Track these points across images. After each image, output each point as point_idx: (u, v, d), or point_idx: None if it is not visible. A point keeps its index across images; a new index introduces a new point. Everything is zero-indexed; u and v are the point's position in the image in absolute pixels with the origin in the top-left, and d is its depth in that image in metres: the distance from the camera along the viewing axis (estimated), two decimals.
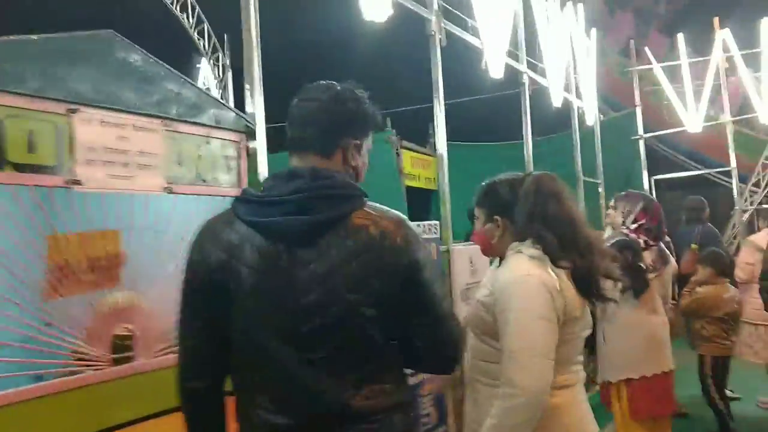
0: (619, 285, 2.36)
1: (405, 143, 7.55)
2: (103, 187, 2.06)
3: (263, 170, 2.66)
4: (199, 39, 7.30)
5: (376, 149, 3.14)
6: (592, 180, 6.64)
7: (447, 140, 3.91)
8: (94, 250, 2.02)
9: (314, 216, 1.57)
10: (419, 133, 8.20)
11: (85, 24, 2.12)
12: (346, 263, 1.57)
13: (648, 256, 3.49)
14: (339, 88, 1.71)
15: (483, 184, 2.22)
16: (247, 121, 2.63)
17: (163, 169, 2.26)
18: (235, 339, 1.61)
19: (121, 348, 2.11)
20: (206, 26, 7.12)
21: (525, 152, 5.27)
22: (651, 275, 3.46)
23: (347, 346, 1.58)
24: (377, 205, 1.67)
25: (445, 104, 4.18)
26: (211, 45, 7.27)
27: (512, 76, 5.21)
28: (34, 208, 1.87)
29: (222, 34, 7.44)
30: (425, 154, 8.21)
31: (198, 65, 7.93)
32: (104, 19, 2.47)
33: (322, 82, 1.73)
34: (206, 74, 7.90)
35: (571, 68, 6.31)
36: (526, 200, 2.08)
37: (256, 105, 2.68)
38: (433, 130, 8.29)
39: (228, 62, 7.71)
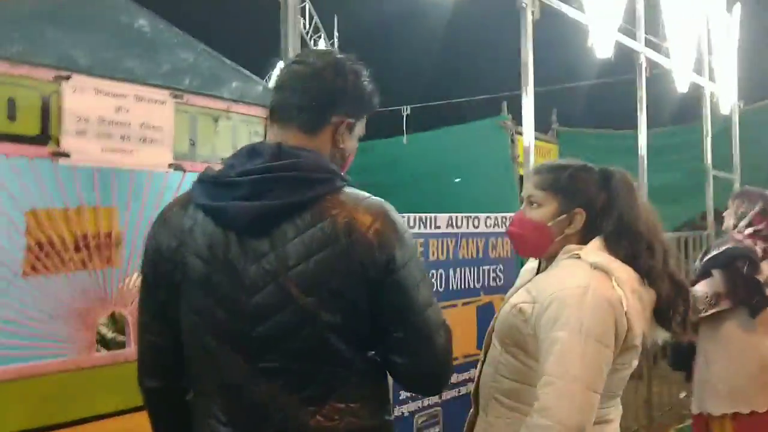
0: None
1: (521, 129, 7.16)
2: (97, 161, 1.92)
3: None
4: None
5: (488, 135, 2.82)
6: (726, 176, 5.84)
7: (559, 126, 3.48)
8: (81, 228, 1.89)
9: (268, 202, 1.33)
10: (540, 119, 7.77)
11: None
12: (303, 259, 1.32)
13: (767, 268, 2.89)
14: (339, 55, 1.47)
15: (559, 163, 1.82)
16: None
17: (171, 145, 2.08)
18: (185, 338, 1.42)
19: (112, 332, 1.97)
20: (308, 5, 7.04)
21: (638, 143, 4.66)
22: None
23: (305, 356, 1.33)
24: (360, 192, 1.40)
25: (553, 89, 3.74)
26: (312, 25, 7.18)
27: (628, 56, 4.64)
28: (12, 180, 1.75)
29: (327, 13, 7.35)
30: (545, 141, 7.75)
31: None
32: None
33: (321, 47, 1.47)
34: None
35: (704, 48, 5.54)
36: (619, 198, 1.70)
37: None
38: (555, 116, 7.85)
39: (336, 44, 7.60)
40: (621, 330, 1.57)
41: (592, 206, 1.73)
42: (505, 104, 6.91)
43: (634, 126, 4.77)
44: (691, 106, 5.80)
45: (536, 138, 7.86)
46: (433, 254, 2.66)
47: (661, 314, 1.68)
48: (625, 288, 1.59)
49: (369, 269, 1.32)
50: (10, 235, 1.76)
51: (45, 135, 1.81)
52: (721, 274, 2.84)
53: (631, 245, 1.66)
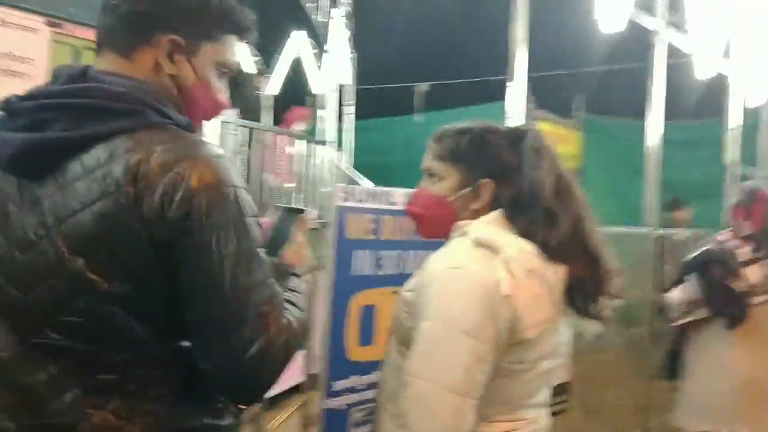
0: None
1: (542, 114, 6.87)
2: None
3: None
4: None
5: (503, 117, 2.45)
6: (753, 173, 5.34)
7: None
8: None
9: (46, 134, 1.06)
10: (561, 104, 7.39)
11: None
12: (78, 210, 1.04)
13: (755, 273, 2.51)
14: None
15: (460, 127, 1.49)
16: None
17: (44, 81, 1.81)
18: None
19: None
20: None
21: (649, 133, 4.23)
22: (758, 299, 2.48)
23: (89, 334, 1.06)
24: (184, 134, 1.11)
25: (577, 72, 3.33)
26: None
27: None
28: None
29: None
30: (566, 128, 7.36)
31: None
32: None
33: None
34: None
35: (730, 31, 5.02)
36: (538, 161, 1.38)
37: None
38: (579, 102, 7.41)
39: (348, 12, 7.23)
40: (501, 320, 1.26)
41: (503, 175, 1.41)
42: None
43: (670, 115, 4.34)
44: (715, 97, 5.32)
45: (555, 124, 7.49)
46: (387, 233, 2.37)
47: (570, 294, 1.37)
48: (515, 268, 1.27)
49: (155, 229, 1.02)
50: None
51: None
52: (696, 279, 2.49)
53: (528, 215, 1.35)
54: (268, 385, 1.13)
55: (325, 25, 6.52)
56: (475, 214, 1.41)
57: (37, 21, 1.79)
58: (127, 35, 1.15)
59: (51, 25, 1.79)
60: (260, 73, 11.39)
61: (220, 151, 1.14)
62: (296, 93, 7.57)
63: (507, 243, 1.30)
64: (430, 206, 1.47)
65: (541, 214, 1.34)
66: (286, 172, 5.91)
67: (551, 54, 7.89)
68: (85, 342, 1.06)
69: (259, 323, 1.06)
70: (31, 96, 1.10)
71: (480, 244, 1.31)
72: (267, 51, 10.62)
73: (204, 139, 1.19)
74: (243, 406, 1.23)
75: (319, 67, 6.94)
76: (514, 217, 1.36)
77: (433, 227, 1.50)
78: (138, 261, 1.03)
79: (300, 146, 5.90)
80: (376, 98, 8.04)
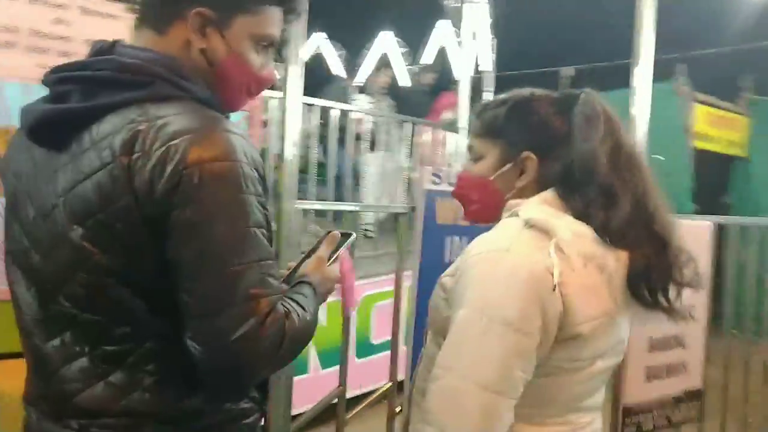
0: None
1: (701, 96, 6.31)
2: (29, 78, 1.74)
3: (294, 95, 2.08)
4: None
5: (657, 101, 2.40)
6: None
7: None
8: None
9: (60, 106, 1.09)
10: (725, 85, 6.70)
11: None
12: (79, 180, 1.05)
13: None
14: None
15: (500, 97, 1.34)
16: None
17: None
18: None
19: None
20: None
21: None
22: None
23: (92, 305, 1.07)
24: (197, 108, 1.08)
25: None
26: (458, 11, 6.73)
27: None
28: None
29: None
30: (731, 111, 6.70)
31: None
32: None
33: None
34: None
35: None
36: (591, 129, 1.19)
37: None
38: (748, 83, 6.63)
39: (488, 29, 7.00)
40: (550, 312, 1.09)
41: (548, 147, 1.23)
42: (681, 66, 6.06)
43: None
44: None
45: (719, 107, 6.80)
46: (441, 217, 2.23)
47: (634, 283, 1.15)
48: (570, 253, 1.10)
49: (145, 202, 0.99)
50: None
51: None
52: None
53: (583, 193, 1.16)
54: (253, 375, 1.06)
55: (458, 11, 6.41)
56: (522, 193, 1.25)
57: (117, 8, 1.83)
58: (161, 10, 1.14)
59: (132, 12, 1.82)
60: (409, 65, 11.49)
61: (235, 127, 1.08)
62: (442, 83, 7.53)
63: (562, 225, 1.13)
64: (471, 188, 1.33)
65: (596, 191, 1.15)
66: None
67: (709, 31, 7.16)
68: (89, 312, 1.06)
69: (248, 305, 0.99)
70: (55, 69, 1.12)
71: (531, 225, 1.15)
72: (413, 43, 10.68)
73: (225, 115, 1.15)
74: (228, 399, 1.15)
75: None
76: (568, 195, 1.18)
77: (477, 210, 1.35)
78: (130, 234, 1.01)
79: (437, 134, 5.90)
80: (520, 84, 7.76)
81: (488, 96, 7.13)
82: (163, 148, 0.98)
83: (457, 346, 1.12)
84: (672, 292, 1.18)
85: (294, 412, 2.40)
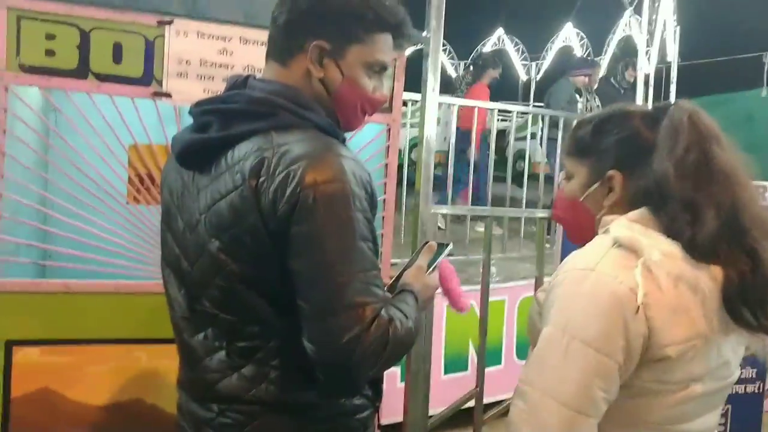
0: None
1: None
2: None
3: (432, 96, 2.18)
4: None
5: None
6: None
7: None
8: None
9: (202, 135, 1.28)
10: None
11: None
12: (217, 199, 1.24)
13: None
14: None
15: (591, 115, 1.34)
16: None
17: None
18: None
19: None
20: None
21: None
22: None
23: (227, 306, 1.25)
24: (317, 135, 1.23)
25: None
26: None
27: None
28: (116, 117, 1.95)
29: None
30: None
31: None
32: None
33: None
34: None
35: None
36: (673, 142, 1.15)
37: (432, 13, 2.18)
38: None
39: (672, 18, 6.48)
40: (634, 333, 1.07)
41: (632, 163, 1.20)
42: None
43: None
44: None
45: None
46: None
47: (729, 303, 1.09)
48: (658, 273, 1.07)
49: (269, 219, 1.14)
50: (114, 168, 1.97)
51: (148, 76, 1.96)
52: None
53: (667, 209, 1.12)
54: (360, 374, 1.15)
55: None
56: (612, 211, 1.22)
57: None
58: (284, 44, 1.27)
59: None
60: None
61: (346, 151, 1.20)
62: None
63: (650, 244, 1.10)
64: (566, 209, 1.32)
65: (678, 207, 1.10)
66: None
67: None
68: (225, 312, 1.23)
69: (356, 312, 1.11)
70: (198, 103, 1.31)
71: (620, 243, 1.13)
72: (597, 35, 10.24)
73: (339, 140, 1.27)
74: (340, 395, 1.27)
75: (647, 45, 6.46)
76: (657, 212, 1.14)
77: (575, 232, 1.34)
78: (257, 247, 1.16)
79: None
80: (704, 74, 7.15)
81: (673, 88, 6.69)
82: (284, 173, 1.13)
83: (540, 363, 1.13)
84: (761, 308, 1.09)
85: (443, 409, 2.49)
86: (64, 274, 1.96)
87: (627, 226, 1.14)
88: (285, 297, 1.17)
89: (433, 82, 2.14)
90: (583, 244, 1.31)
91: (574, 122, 1.38)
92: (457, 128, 5.22)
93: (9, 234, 1.94)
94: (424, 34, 2.13)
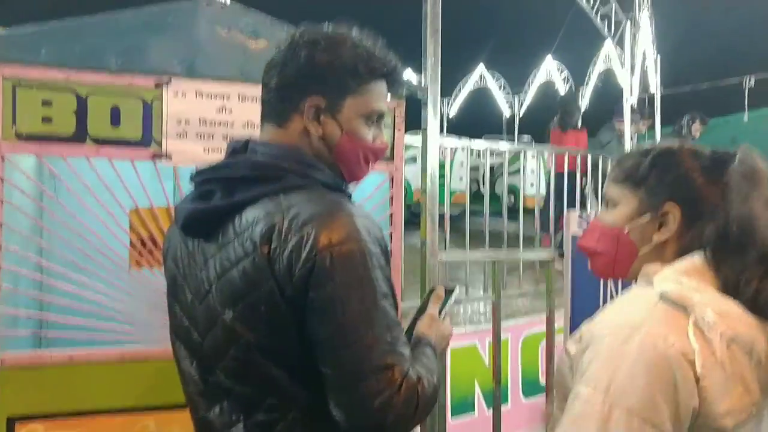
0: None
1: None
2: (199, 161, 1.98)
3: (434, 146, 2.17)
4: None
5: None
6: None
7: None
8: None
9: (207, 204, 1.25)
10: None
11: None
12: (228, 268, 1.20)
13: None
14: (298, 32, 1.29)
15: (646, 146, 1.26)
16: (407, 85, 2.18)
17: None
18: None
19: None
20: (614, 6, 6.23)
21: None
22: None
23: (243, 378, 1.20)
24: (324, 194, 1.21)
25: None
26: (620, 30, 6.40)
27: None
28: (115, 181, 1.92)
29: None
30: None
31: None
32: None
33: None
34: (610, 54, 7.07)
35: None
36: (744, 192, 1.09)
37: (428, 60, 2.19)
38: None
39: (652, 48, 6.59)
40: (684, 402, 0.99)
41: (694, 200, 1.14)
42: None
43: None
44: None
45: None
46: None
47: None
48: (712, 335, 1.00)
49: (285, 285, 1.11)
50: (115, 232, 1.93)
51: (147, 138, 1.94)
52: None
53: (737, 261, 1.05)
54: None
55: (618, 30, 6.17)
56: (660, 250, 1.16)
57: None
58: (278, 107, 1.26)
59: None
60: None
61: (356, 209, 1.18)
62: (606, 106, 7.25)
63: (704, 301, 1.03)
64: (602, 239, 1.23)
65: (754, 257, 1.04)
66: None
67: None
68: (242, 384, 1.19)
69: (386, 375, 1.07)
70: (200, 172, 1.28)
71: (667, 299, 1.05)
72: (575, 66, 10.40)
73: (345, 197, 1.25)
74: None
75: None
76: (719, 262, 1.07)
77: (606, 264, 1.25)
78: (274, 315, 1.12)
79: None
80: (693, 100, 7.26)
81: (657, 116, 6.78)
82: (297, 236, 1.10)
83: (577, 427, 1.04)
84: None
85: None
86: (66, 343, 1.90)
87: (674, 279, 1.07)
88: (304, 366, 1.13)
89: (435, 127, 2.14)
90: (604, 277, 1.26)
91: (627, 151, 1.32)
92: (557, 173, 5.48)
93: (8, 305, 1.88)
94: (422, 83, 2.14)
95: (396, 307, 1.17)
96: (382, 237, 1.19)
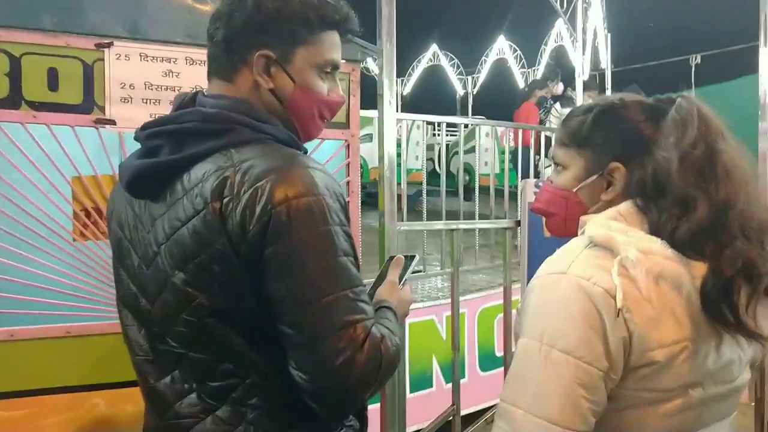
0: None
1: None
2: None
3: (390, 114, 2.12)
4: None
5: None
6: None
7: None
8: None
9: (153, 159, 1.17)
10: None
11: None
12: (177, 226, 1.12)
13: None
14: None
15: (589, 104, 1.26)
16: (362, 47, 2.12)
17: None
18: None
19: None
20: None
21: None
22: None
23: (197, 344, 1.13)
24: (280, 148, 1.15)
25: None
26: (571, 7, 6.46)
27: None
28: (56, 148, 1.82)
29: None
30: None
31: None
32: None
33: None
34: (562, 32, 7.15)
35: None
36: (680, 134, 1.08)
37: (384, 25, 2.13)
38: None
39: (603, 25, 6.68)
40: (615, 338, 1.00)
41: (635, 156, 1.13)
42: None
43: None
44: None
45: None
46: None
47: (708, 301, 1.02)
48: (637, 273, 1.00)
49: (239, 243, 1.04)
50: (57, 203, 1.83)
51: (88, 103, 1.84)
52: None
53: (660, 203, 1.06)
54: (358, 399, 1.08)
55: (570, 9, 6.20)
56: (608, 207, 1.15)
57: None
58: (226, 60, 1.18)
59: None
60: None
61: (313, 162, 1.12)
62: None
63: (628, 241, 1.03)
64: (552, 201, 1.24)
65: (672, 201, 1.05)
66: None
67: None
68: (194, 351, 1.12)
69: (346, 333, 1.02)
70: (145, 126, 1.20)
71: (595, 243, 1.06)
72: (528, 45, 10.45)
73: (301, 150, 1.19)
74: (334, 422, 1.18)
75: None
76: (645, 207, 1.08)
77: (558, 225, 1.26)
78: (228, 274, 1.06)
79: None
80: (640, 79, 7.38)
81: (608, 93, 6.86)
82: (251, 191, 1.03)
83: (520, 379, 1.05)
84: (758, 312, 1.04)
85: (416, 427, 2.42)
86: (7, 321, 1.80)
87: (603, 224, 1.08)
88: (261, 327, 1.07)
89: (389, 95, 2.08)
90: (560, 237, 1.26)
91: (571, 110, 1.31)
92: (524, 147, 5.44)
93: None
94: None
95: (358, 267, 1.12)
96: (341, 193, 1.13)
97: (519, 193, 2.69)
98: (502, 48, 11.08)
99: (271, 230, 1.02)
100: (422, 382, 3.95)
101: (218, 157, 1.10)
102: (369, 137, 5.47)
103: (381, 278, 1.36)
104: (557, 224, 1.26)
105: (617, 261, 1.01)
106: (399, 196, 4.63)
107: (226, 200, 1.04)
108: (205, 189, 1.07)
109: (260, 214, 1.02)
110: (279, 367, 1.07)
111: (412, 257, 1.42)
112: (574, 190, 1.20)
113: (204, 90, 1.23)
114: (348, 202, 1.17)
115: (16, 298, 1.80)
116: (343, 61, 1.30)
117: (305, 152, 1.22)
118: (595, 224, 1.09)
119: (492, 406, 2.65)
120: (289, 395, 1.08)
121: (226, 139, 1.12)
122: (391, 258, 1.39)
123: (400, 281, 1.34)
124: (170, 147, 1.15)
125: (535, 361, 1.02)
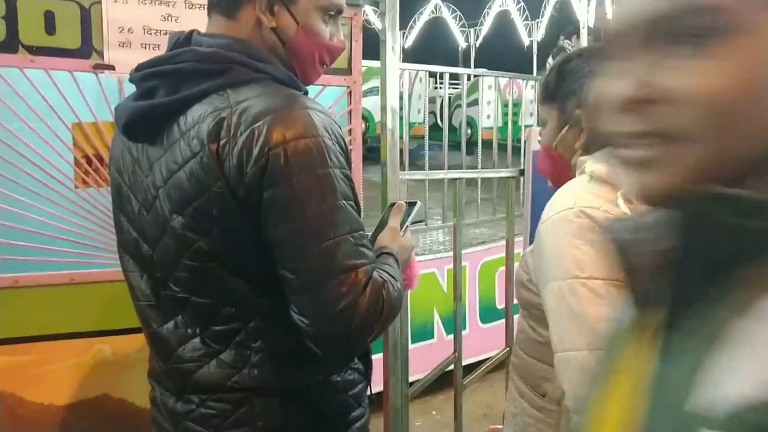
0: None
1: None
2: None
3: (392, 59, 2.08)
4: None
5: None
6: None
7: None
8: None
9: (149, 101, 1.15)
10: None
11: None
12: (174, 170, 1.11)
13: None
14: None
15: (553, 62, 1.33)
16: None
17: None
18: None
19: None
20: None
21: None
22: None
23: (198, 288, 1.13)
24: (279, 88, 1.13)
25: None
26: None
27: None
28: (54, 94, 1.79)
29: None
30: None
31: None
32: None
33: None
34: None
35: None
36: None
37: None
38: None
39: None
40: None
41: None
42: None
43: None
44: None
45: None
46: None
47: None
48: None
49: (236, 185, 1.03)
50: (58, 149, 1.82)
51: (87, 48, 1.80)
52: None
53: None
54: (360, 344, 1.09)
55: None
56: (587, 152, 1.16)
57: None
58: None
59: None
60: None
61: (312, 103, 1.10)
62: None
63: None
64: (542, 159, 1.28)
65: None
66: None
67: None
68: (197, 295, 1.12)
69: (347, 276, 1.02)
70: (140, 66, 1.18)
71: (596, 178, 1.06)
72: None
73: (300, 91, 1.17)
74: (335, 367, 1.19)
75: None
76: None
77: (554, 182, 1.27)
78: (226, 218, 1.05)
79: None
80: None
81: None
82: (248, 132, 1.02)
83: (569, 322, 1.01)
84: None
85: (417, 376, 2.46)
86: (12, 267, 1.80)
87: (603, 160, 1.08)
88: (263, 271, 1.07)
89: (392, 41, 2.04)
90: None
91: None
92: None
93: None
94: None
95: (359, 212, 1.11)
96: (341, 136, 1.11)
97: (522, 141, 2.65)
98: (505, 0, 10.89)
99: (269, 173, 1.00)
100: (423, 333, 4.00)
101: (215, 98, 1.08)
102: (375, 90, 5.41)
103: (382, 225, 1.35)
104: (553, 182, 1.28)
105: (620, 194, 1.01)
106: (401, 150, 4.61)
107: (222, 142, 1.03)
108: (201, 131, 1.05)
109: (257, 156, 1.00)
110: (281, 311, 1.07)
111: (414, 203, 1.41)
112: (553, 144, 1.22)
113: (201, 30, 1.21)
114: (351, 150, 1.16)
115: (20, 245, 1.80)
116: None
117: (305, 93, 1.21)
118: (595, 161, 1.09)
119: (492, 356, 2.69)
120: (292, 339, 1.08)
121: (223, 80, 1.10)
122: (393, 205, 1.38)
123: (401, 228, 1.33)
124: (166, 88, 1.13)
125: (579, 297, 1.00)
